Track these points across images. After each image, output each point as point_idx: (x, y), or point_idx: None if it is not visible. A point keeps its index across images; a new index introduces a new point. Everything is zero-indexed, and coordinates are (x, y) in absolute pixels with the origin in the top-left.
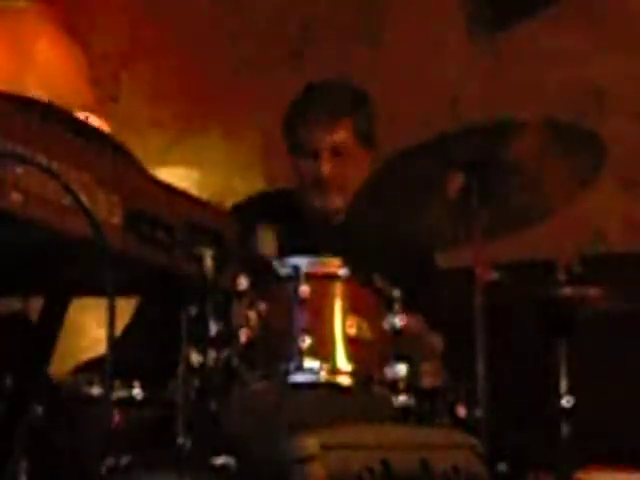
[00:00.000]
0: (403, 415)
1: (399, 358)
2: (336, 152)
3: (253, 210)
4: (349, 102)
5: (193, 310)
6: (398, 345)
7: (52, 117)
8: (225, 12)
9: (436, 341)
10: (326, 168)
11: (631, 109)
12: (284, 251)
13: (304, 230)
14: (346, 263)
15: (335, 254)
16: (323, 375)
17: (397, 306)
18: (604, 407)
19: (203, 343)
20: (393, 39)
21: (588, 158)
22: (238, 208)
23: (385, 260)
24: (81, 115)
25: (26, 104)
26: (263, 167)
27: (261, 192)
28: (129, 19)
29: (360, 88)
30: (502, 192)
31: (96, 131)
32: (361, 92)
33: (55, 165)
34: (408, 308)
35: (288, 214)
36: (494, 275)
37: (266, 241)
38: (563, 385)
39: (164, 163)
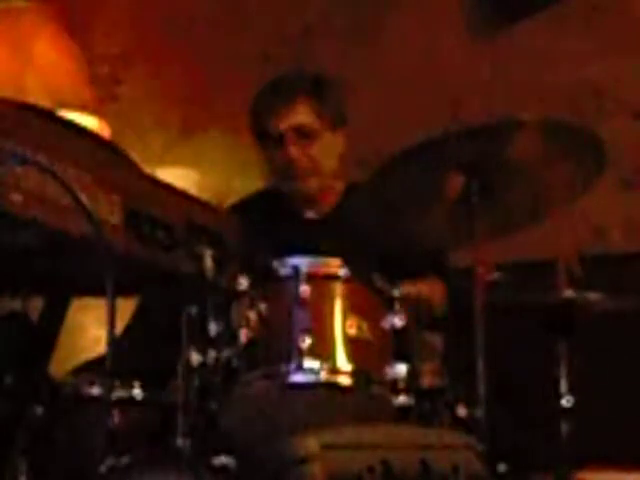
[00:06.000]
0: (403, 415)
1: (399, 357)
2: (300, 134)
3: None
4: (305, 83)
5: (193, 310)
6: (398, 344)
7: (52, 119)
8: (225, 12)
9: (436, 341)
10: (293, 150)
11: (631, 109)
12: (279, 251)
13: (291, 227)
14: (342, 260)
15: (328, 250)
16: (323, 375)
17: (397, 306)
18: (604, 407)
19: (203, 343)
20: (393, 39)
21: (588, 158)
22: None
23: (390, 258)
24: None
25: (27, 108)
26: (263, 167)
27: (242, 198)
28: (129, 19)
29: (317, 72)
30: (502, 192)
31: (95, 134)
32: (320, 75)
33: (55, 165)
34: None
35: (272, 214)
36: (494, 275)
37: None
38: (563, 385)
39: (164, 163)
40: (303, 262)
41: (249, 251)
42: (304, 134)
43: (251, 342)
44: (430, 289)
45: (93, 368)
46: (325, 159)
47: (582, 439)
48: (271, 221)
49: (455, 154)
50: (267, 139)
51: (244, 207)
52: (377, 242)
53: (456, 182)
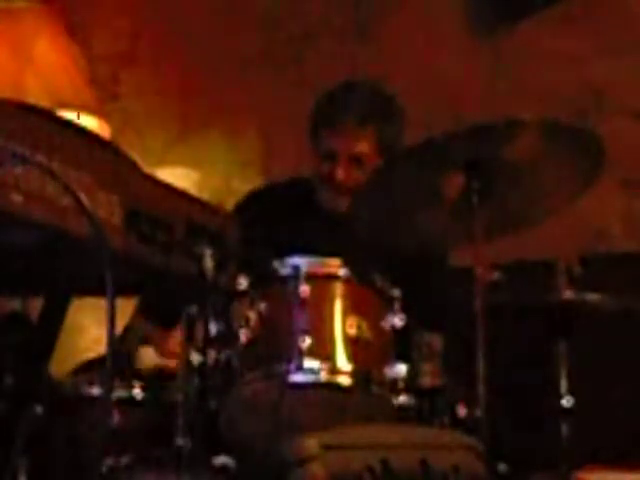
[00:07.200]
0: (403, 415)
1: (399, 357)
2: (354, 159)
3: (270, 200)
4: (377, 112)
5: (193, 310)
6: (398, 344)
7: (52, 119)
8: (225, 12)
9: (436, 341)
10: (342, 173)
11: (631, 109)
12: (291, 243)
13: (312, 222)
14: (348, 260)
15: (339, 249)
16: (323, 375)
17: (397, 306)
18: (604, 407)
19: (203, 343)
20: (393, 39)
21: (588, 158)
22: (253, 197)
23: (389, 258)
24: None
25: (27, 108)
26: (263, 167)
27: (275, 183)
28: (129, 19)
29: (392, 95)
30: (502, 192)
31: (95, 134)
32: (393, 101)
33: (55, 165)
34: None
35: (300, 205)
36: (494, 275)
37: (146, 358)
38: (563, 385)
39: (164, 163)
40: (303, 262)
41: (253, 242)
42: (357, 160)
43: (251, 342)
44: None
45: (93, 368)
46: None
47: (582, 439)
48: (286, 213)
49: (455, 154)
50: (320, 149)
51: (268, 194)
52: (378, 242)
53: (456, 182)
